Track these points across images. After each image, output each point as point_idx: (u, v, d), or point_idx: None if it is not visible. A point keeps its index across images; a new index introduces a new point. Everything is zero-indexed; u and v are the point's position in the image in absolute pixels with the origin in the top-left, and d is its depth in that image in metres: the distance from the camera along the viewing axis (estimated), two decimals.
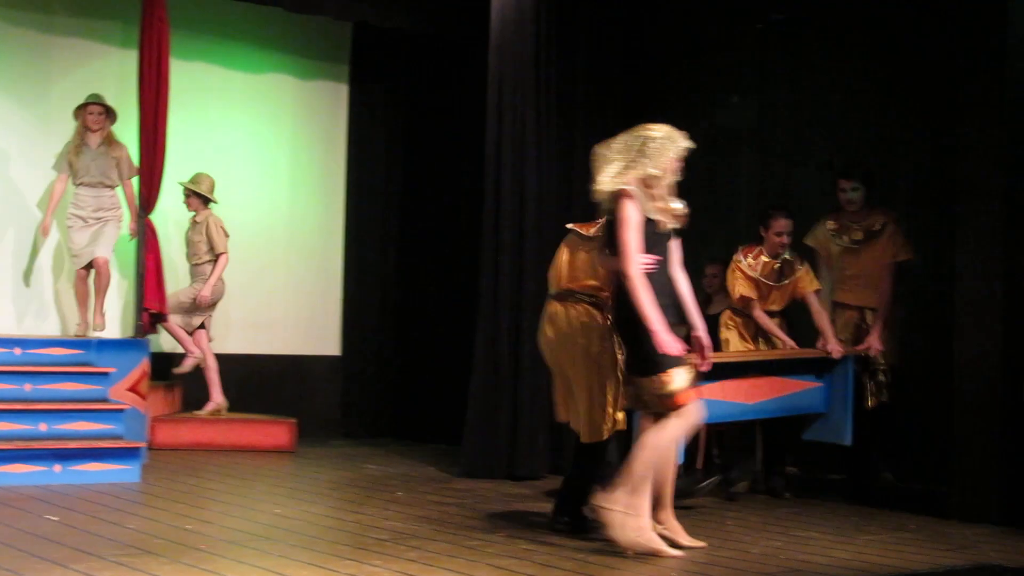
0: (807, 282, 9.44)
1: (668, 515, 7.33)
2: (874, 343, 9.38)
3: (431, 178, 13.55)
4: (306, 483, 9.86)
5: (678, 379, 6.95)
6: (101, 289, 10.89)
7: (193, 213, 11.84)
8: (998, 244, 8.52)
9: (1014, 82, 8.55)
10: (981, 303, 8.61)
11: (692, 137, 11.06)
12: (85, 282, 11.02)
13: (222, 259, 11.77)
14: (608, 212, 7.21)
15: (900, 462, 9.62)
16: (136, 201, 10.74)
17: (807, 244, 9.65)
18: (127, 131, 11.05)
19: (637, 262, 6.91)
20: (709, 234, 10.35)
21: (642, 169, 7.12)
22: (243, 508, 8.34)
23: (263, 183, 13.18)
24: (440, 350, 12.94)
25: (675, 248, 7.25)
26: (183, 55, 11.74)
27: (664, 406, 7.00)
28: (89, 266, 10.93)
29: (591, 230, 7.67)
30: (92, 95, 11.07)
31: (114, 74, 11.80)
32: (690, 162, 11.02)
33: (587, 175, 10.82)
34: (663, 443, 6.97)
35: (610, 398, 7.38)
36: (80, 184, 11.00)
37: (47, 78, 10.64)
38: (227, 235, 11.81)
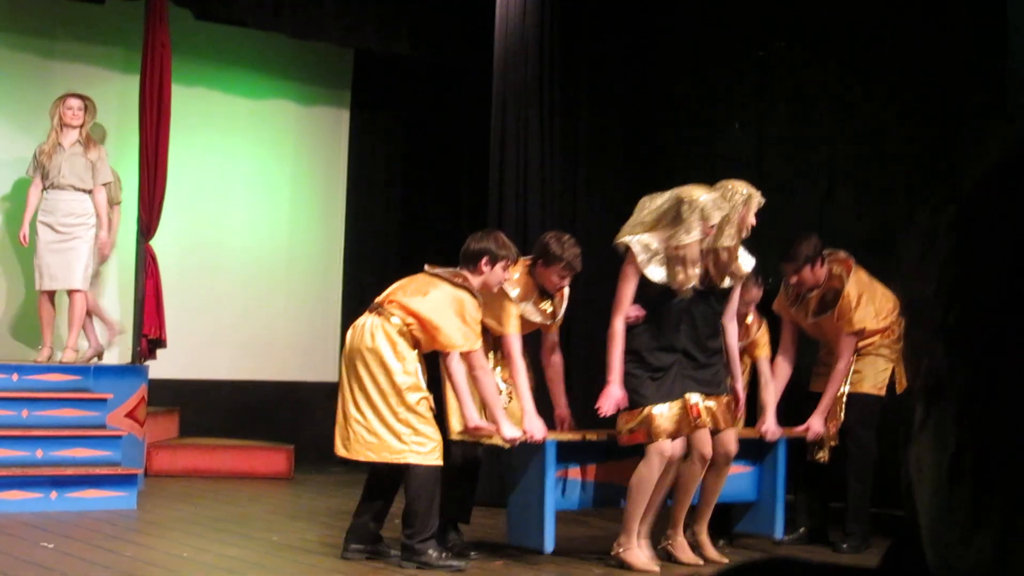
0: (760, 347, 8.73)
1: (675, 532, 7.84)
2: (815, 424, 8.61)
3: (431, 205, 13.58)
4: (304, 510, 9.85)
5: (637, 420, 7.46)
6: (74, 321, 10.34)
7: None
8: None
9: (1018, 116, 8.55)
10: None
11: (691, 163, 11.23)
12: (50, 304, 10.42)
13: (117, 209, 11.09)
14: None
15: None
16: (106, 213, 10.45)
17: (773, 310, 9.03)
18: (128, 156, 11.06)
19: (620, 316, 7.48)
20: None
21: (667, 232, 7.47)
22: (240, 536, 8.33)
23: (263, 209, 13.20)
24: (439, 377, 12.89)
25: (732, 299, 7.90)
26: (185, 80, 11.74)
27: (622, 442, 7.59)
28: (52, 293, 10.39)
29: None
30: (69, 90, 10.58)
31: (115, 99, 11.79)
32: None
33: (590, 198, 10.99)
34: (636, 482, 7.48)
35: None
36: (51, 187, 10.27)
37: (49, 103, 10.60)
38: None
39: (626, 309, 7.55)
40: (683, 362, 7.64)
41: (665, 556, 7.89)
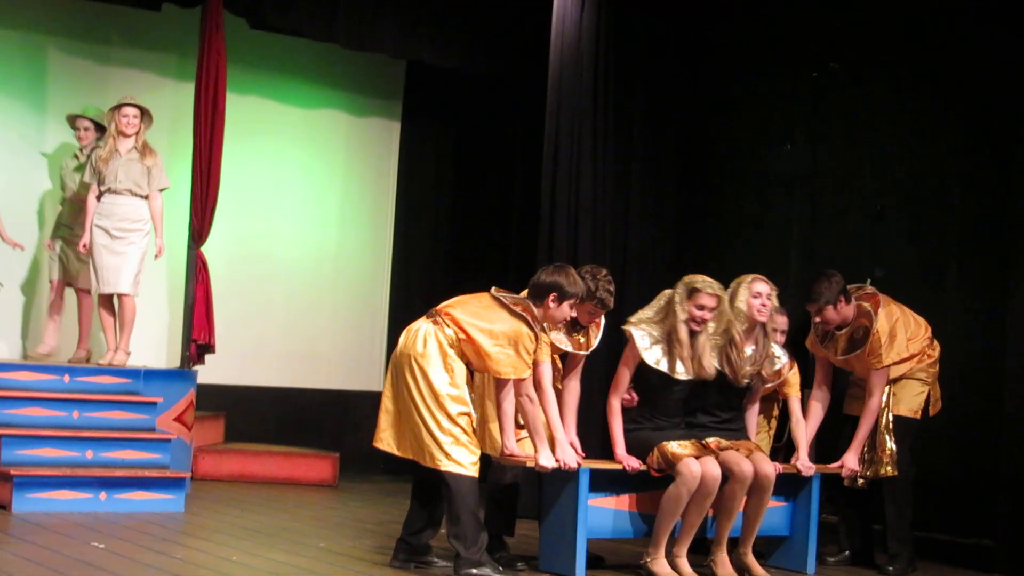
0: (791, 386, 8.55)
1: (717, 550, 8.02)
2: (849, 461, 8.67)
3: (481, 217, 13.60)
4: (349, 518, 9.86)
5: (656, 459, 7.81)
6: (125, 324, 10.40)
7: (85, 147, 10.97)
8: None
9: None
10: None
11: (743, 183, 11.22)
12: (108, 309, 10.47)
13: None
14: None
15: (947, 516, 9.52)
16: (162, 219, 10.45)
17: (806, 346, 9.00)
18: (181, 162, 11.15)
19: (616, 396, 7.92)
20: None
21: (661, 318, 7.92)
22: (288, 542, 8.35)
23: (313, 218, 13.27)
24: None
25: (754, 395, 8.32)
26: (238, 89, 11.80)
27: (653, 473, 7.87)
28: (109, 296, 10.43)
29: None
30: (125, 96, 10.65)
31: (169, 105, 11.86)
32: (742, 209, 11.22)
33: (642, 219, 10.99)
34: (666, 497, 7.73)
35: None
36: (107, 191, 10.37)
37: (105, 108, 10.67)
38: None
39: (623, 389, 7.94)
40: (695, 432, 8.00)
41: (709, 573, 7.97)
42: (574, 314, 7.63)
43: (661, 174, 11.34)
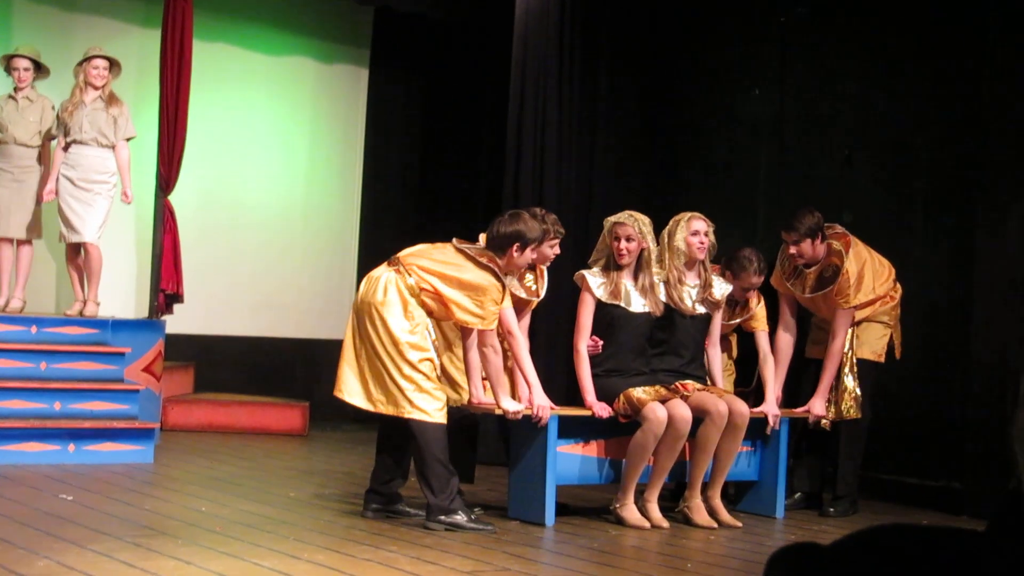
0: (758, 320, 8.71)
1: (691, 495, 8.04)
2: (815, 407, 8.66)
3: (449, 164, 13.59)
4: (319, 467, 9.89)
5: (621, 405, 7.82)
6: (92, 274, 10.29)
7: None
8: (1019, 246, 8.51)
9: None
10: (999, 302, 8.61)
11: (710, 128, 11.21)
12: (75, 260, 10.41)
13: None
14: None
15: (915, 459, 9.58)
16: (129, 168, 10.32)
17: (771, 283, 8.95)
18: (148, 111, 11.09)
19: (581, 339, 7.91)
20: (725, 230, 10.29)
21: (604, 259, 8.05)
22: (257, 491, 8.36)
23: (281, 166, 13.23)
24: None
25: (713, 326, 8.34)
26: (205, 36, 11.74)
27: (621, 420, 7.90)
28: (76, 247, 10.36)
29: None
30: (93, 47, 10.44)
31: (136, 54, 11.77)
32: (710, 155, 11.23)
33: (608, 165, 11.00)
34: (633, 444, 7.75)
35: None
36: (73, 142, 10.17)
37: (69, 57, 10.58)
38: None
39: (586, 333, 7.94)
40: (659, 376, 8.03)
41: (683, 518, 8.00)
42: (535, 257, 7.64)
43: (627, 120, 11.34)
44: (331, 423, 12.20)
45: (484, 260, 7.40)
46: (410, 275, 7.31)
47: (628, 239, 7.91)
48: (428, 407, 7.23)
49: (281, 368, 12.98)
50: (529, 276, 8.02)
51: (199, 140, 11.52)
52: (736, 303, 8.72)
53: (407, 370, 7.21)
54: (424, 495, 7.33)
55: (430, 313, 7.37)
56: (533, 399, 7.55)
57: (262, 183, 13.05)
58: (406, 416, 7.23)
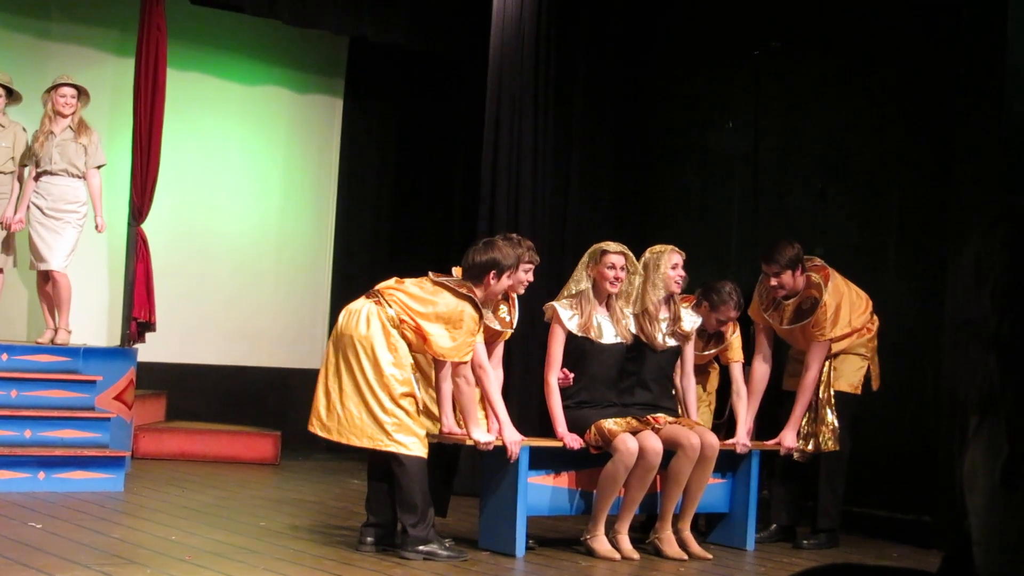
0: (733, 350, 8.75)
1: (663, 526, 8.06)
2: (786, 439, 8.65)
3: (424, 194, 13.57)
4: (291, 496, 9.86)
5: (593, 436, 7.80)
6: (62, 303, 10.25)
7: None
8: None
9: (1014, 115, 8.59)
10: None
11: (684, 161, 11.25)
12: (44, 288, 10.38)
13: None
14: None
15: (886, 492, 9.59)
16: (100, 197, 10.31)
17: (748, 314, 8.94)
18: (121, 139, 11.08)
19: (552, 372, 7.90)
20: (699, 261, 10.33)
21: (579, 290, 8.02)
22: (227, 520, 8.34)
23: (255, 195, 13.20)
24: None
25: (684, 358, 8.35)
26: (179, 65, 11.73)
27: (593, 451, 7.90)
28: (46, 275, 10.31)
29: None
30: (62, 76, 10.42)
31: (109, 82, 11.77)
32: (683, 187, 11.27)
33: (582, 197, 11.03)
34: (604, 475, 7.76)
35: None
36: (44, 173, 10.14)
37: (42, 84, 10.57)
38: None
39: (557, 366, 7.93)
40: (631, 410, 8.03)
41: (653, 550, 8.02)
42: (510, 283, 7.64)
43: (602, 152, 11.38)
44: (303, 452, 12.16)
45: (463, 291, 7.41)
46: (390, 307, 7.32)
47: (621, 267, 7.94)
48: (407, 440, 7.23)
49: (253, 397, 12.93)
50: (503, 306, 8.02)
51: (172, 168, 11.50)
52: (710, 335, 8.73)
53: (388, 404, 7.22)
54: (402, 524, 7.31)
55: (409, 345, 7.37)
56: (503, 436, 7.55)
57: (235, 212, 13.02)
58: (384, 449, 7.22)
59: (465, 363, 7.37)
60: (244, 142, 13.14)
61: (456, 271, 7.66)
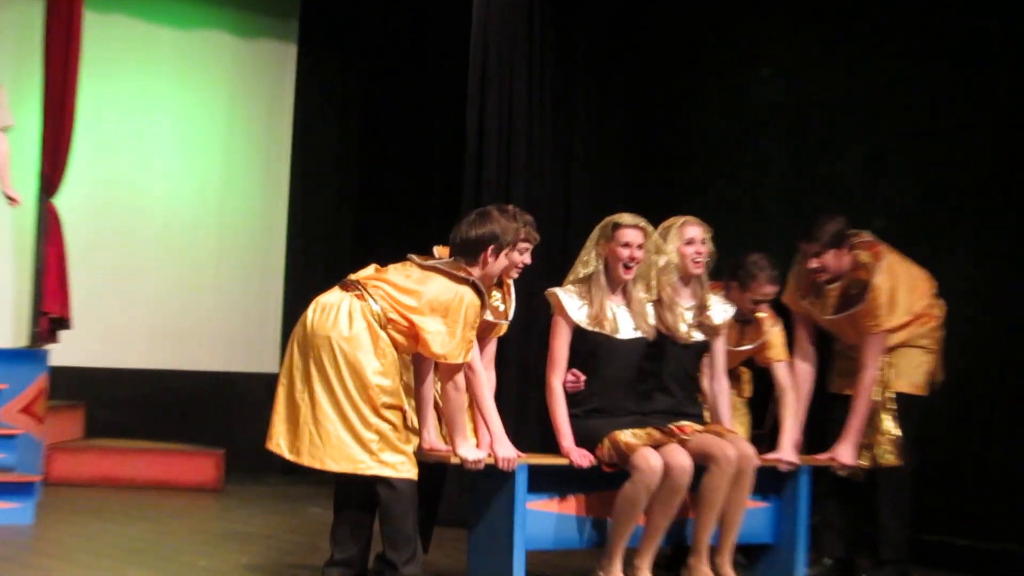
0: (774, 347, 8.62)
1: (696, 561, 7.87)
2: (842, 454, 8.50)
3: (396, 162, 13.56)
4: (236, 529, 9.81)
5: (606, 451, 7.67)
6: None
7: None
8: None
9: None
10: None
11: (710, 117, 11.15)
12: None
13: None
14: None
15: (961, 515, 9.49)
16: (8, 163, 10.22)
17: (783, 301, 8.89)
18: (29, 97, 11.03)
19: (557, 375, 7.80)
20: (733, 235, 10.23)
21: (587, 274, 7.93)
22: (161, 559, 8.26)
23: (191, 163, 13.26)
24: None
25: (714, 356, 8.23)
26: (99, 6, 11.77)
27: (606, 469, 7.75)
28: None
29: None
30: None
31: (13, 27, 11.81)
32: (709, 149, 11.15)
33: (589, 158, 10.91)
34: (621, 499, 7.57)
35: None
36: None
37: None
38: None
39: (562, 367, 7.82)
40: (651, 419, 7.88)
41: None
42: (507, 263, 7.51)
43: (612, 107, 11.28)
44: (252, 475, 12.17)
45: (460, 273, 7.27)
46: (376, 301, 7.15)
47: (638, 246, 7.80)
48: (395, 460, 7.09)
49: (191, 408, 12.98)
50: (496, 294, 7.87)
51: (91, 131, 11.62)
52: (745, 322, 8.58)
53: (372, 418, 7.06)
54: (388, 559, 7.20)
55: (396, 348, 7.21)
56: (495, 450, 7.43)
57: (168, 184, 13.05)
58: (367, 473, 7.08)
59: (463, 364, 7.25)
60: (178, 99, 13.17)
61: (439, 251, 7.51)
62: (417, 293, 7.17)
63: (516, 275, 7.82)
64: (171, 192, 13.03)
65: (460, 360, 7.19)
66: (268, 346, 13.16)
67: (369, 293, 7.17)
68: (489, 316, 7.71)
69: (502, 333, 8.03)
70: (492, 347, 7.99)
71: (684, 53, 11.54)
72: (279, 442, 7.26)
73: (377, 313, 7.13)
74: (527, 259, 7.74)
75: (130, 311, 12.75)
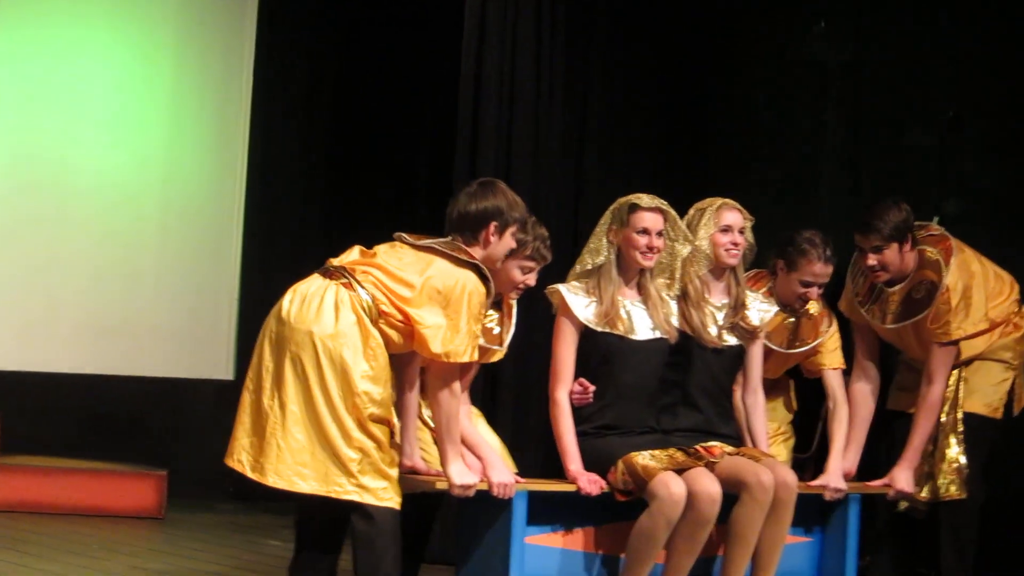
0: (828, 354, 8.73)
1: None
2: (899, 479, 8.57)
3: (375, 133, 13.61)
4: (180, 565, 9.82)
5: (619, 475, 7.72)
6: None
7: None
8: None
9: None
10: None
11: (754, 78, 11.16)
12: None
13: None
14: None
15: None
16: None
17: (840, 309, 8.98)
18: None
19: (562, 386, 7.86)
20: (778, 217, 10.23)
21: (596, 266, 7.98)
22: None
23: (129, 130, 13.16)
24: None
25: (750, 364, 8.30)
26: None
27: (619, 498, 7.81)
28: None
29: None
30: None
31: None
32: (751, 115, 11.15)
33: (606, 138, 10.88)
34: (637, 531, 7.64)
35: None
36: None
37: None
38: None
39: (568, 376, 7.85)
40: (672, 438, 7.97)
41: None
42: (513, 246, 7.47)
43: (636, 69, 11.21)
44: (198, 500, 12.21)
45: (461, 255, 7.23)
46: (364, 289, 7.11)
47: (658, 233, 7.80)
48: (376, 485, 7.06)
49: (127, 421, 13.03)
50: (492, 314, 7.87)
51: (8, 94, 11.73)
52: (796, 315, 8.55)
53: (355, 432, 7.03)
54: None
55: (387, 346, 7.17)
56: (489, 475, 7.43)
57: (100, 155, 12.97)
58: (342, 498, 7.03)
59: (455, 368, 7.21)
60: (114, 53, 13.08)
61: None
62: (410, 284, 7.14)
63: (515, 296, 7.86)
64: (105, 165, 12.96)
65: (465, 359, 7.16)
66: (219, 348, 13.13)
67: (358, 280, 7.14)
68: (480, 339, 7.65)
69: (494, 360, 8.02)
70: (472, 375, 7.97)
71: (723, 7, 11.56)
72: (241, 458, 7.21)
73: (367, 305, 7.09)
74: (531, 280, 7.79)
75: (54, 306, 12.70)
